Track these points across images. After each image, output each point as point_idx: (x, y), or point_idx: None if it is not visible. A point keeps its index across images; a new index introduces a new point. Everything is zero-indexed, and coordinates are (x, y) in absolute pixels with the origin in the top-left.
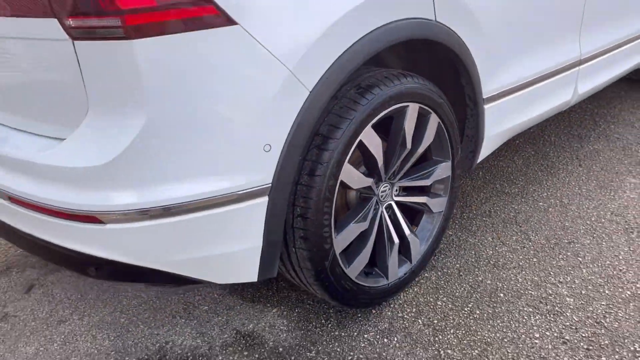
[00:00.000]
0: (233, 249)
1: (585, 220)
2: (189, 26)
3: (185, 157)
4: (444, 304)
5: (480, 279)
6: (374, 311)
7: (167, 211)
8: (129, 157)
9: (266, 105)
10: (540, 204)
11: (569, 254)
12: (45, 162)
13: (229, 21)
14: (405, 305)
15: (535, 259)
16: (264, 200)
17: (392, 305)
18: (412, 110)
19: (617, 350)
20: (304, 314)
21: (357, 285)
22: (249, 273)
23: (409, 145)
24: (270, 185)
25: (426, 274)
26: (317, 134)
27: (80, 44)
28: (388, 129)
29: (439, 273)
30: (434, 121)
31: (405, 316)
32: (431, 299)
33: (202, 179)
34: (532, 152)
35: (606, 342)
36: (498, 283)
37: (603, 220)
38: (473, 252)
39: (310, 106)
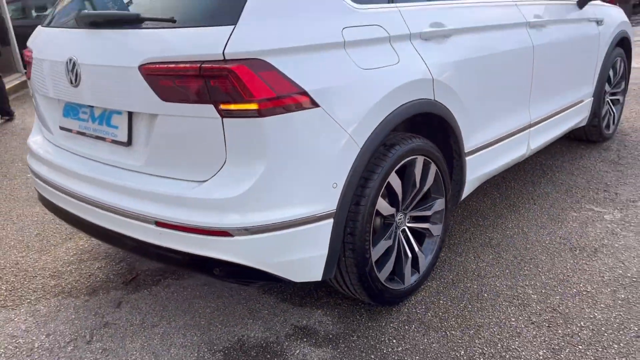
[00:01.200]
0: (309, 255)
1: (541, 243)
2: (293, 108)
3: (286, 192)
4: (444, 302)
5: (468, 285)
6: (394, 309)
7: (273, 227)
8: (252, 192)
9: (335, 157)
10: (507, 232)
11: (531, 266)
12: (194, 196)
13: (315, 105)
14: (416, 304)
15: (507, 271)
16: (330, 221)
17: (407, 304)
18: (420, 161)
19: (568, 326)
20: (343, 312)
21: (385, 287)
22: (316, 274)
23: (417, 185)
24: (335, 210)
25: (429, 283)
26: (362, 177)
27: (227, 120)
28: (404, 173)
29: (438, 282)
30: (433, 169)
31: (418, 311)
32: (435, 299)
33: (295, 206)
34: (498, 194)
35: (560, 321)
36: (482, 287)
37: (554, 242)
38: (461, 267)
39: (360, 158)
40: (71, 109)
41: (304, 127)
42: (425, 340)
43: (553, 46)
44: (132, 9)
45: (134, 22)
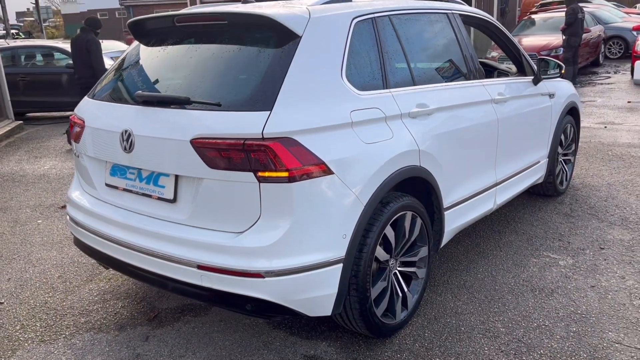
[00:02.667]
0: (322, 294)
1: (507, 285)
2: (314, 175)
3: (307, 241)
4: (429, 334)
5: (448, 320)
6: (387, 340)
7: (295, 270)
8: (280, 242)
9: (344, 213)
10: (479, 275)
11: (499, 304)
12: (233, 245)
13: (330, 172)
14: (406, 336)
15: (480, 308)
16: (340, 265)
17: (398, 336)
18: (408, 215)
19: (531, 354)
20: (344, 343)
21: (381, 321)
22: (327, 309)
23: (407, 235)
24: (344, 257)
25: (415, 318)
26: (364, 229)
27: (263, 185)
28: (396, 226)
29: (422, 318)
30: (419, 222)
31: (407, 342)
32: (421, 332)
33: (313, 253)
34: (469, 242)
35: (524, 350)
36: (459, 322)
37: (518, 284)
38: (441, 305)
39: (364, 214)
40: (119, 170)
41: (322, 190)
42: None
43: (513, 118)
44: (181, 92)
45: (184, 103)
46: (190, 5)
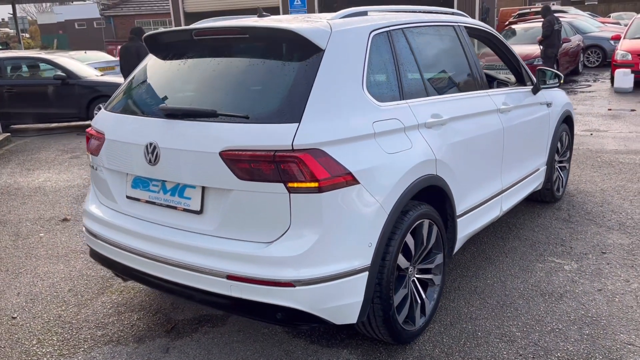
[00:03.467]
0: (349, 302)
1: (517, 290)
2: (341, 185)
3: (335, 251)
4: (447, 340)
5: (464, 326)
6: (407, 347)
7: (324, 279)
8: (311, 251)
9: (370, 222)
10: (488, 281)
11: (512, 309)
12: (264, 255)
13: (357, 182)
14: (425, 342)
15: (493, 313)
16: (366, 274)
17: (417, 343)
18: (426, 223)
19: (548, 357)
20: (365, 351)
21: (402, 328)
22: (353, 317)
23: (424, 243)
24: (369, 265)
25: (431, 325)
26: (388, 237)
27: (293, 195)
28: (415, 234)
29: (439, 324)
30: (435, 229)
31: (427, 348)
32: (439, 338)
33: (340, 262)
34: (475, 249)
35: (542, 353)
36: (475, 328)
37: (527, 289)
38: (455, 311)
39: (387, 222)
40: (141, 182)
41: (349, 200)
42: None
43: (517, 127)
44: (204, 105)
45: (211, 116)
46: (174, 15)
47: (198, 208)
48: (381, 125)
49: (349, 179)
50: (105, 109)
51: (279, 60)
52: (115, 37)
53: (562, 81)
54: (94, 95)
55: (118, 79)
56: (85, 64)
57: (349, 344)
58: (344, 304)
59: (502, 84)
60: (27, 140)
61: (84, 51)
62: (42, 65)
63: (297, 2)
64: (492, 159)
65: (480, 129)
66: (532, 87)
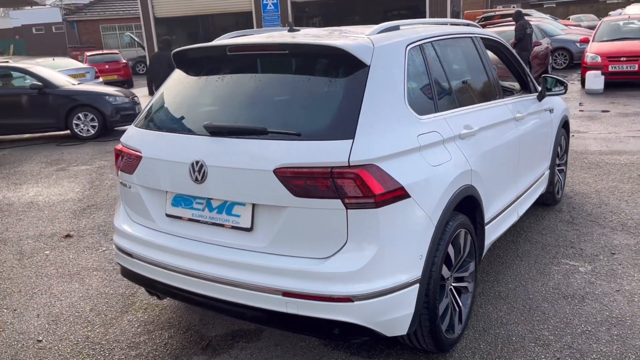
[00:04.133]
0: (402, 314)
1: (540, 293)
2: (395, 199)
3: (390, 264)
4: (484, 346)
5: (497, 331)
6: (447, 354)
7: (381, 293)
8: (369, 266)
9: (421, 235)
10: (509, 285)
11: (539, 313)
12: (321, 270)
13: (408, 195)
14: (464, 349)
15: (522, 317)
16: (417, 286)
17: (456, 350)
18: (462, 233)
19: (585, 359)
20: None
21: (444, 336)
22: (404, 328)
23: (462, 252)
24: (420, 277)
25: (465, 331)
26: (435, 248)
27: (350, 211)
28: (454, 243)
29: (473, 330)
30: (469, 238)
31: (467, 355)
32: (476, 345)
33: (395, 275)
34: (489, 253)
35: (578, 356)
36: (509, 332)
37: (549, 292)
38: (485, 317)
39: (435, 233)
40: (183, 200)
41: (402, 213)
42: None
43: (528, 134)
44: (248, 122)
45: (261, 133)
46: (144, 21)
47: (248, 225)
48: (425, 139)
49: (402, 193)
50: (137, 125)
51: (324, 76)
52: (79, 43)
53: (567, 89)
54: (72, 105)
55: (96, 87)
56: (57, 72)
57: (390, 354)
58: (397, 316)
59: (508, 91)
60: (4, 153)
61: (52, 58)
62: (15, 74)
63: (270, 7)
64: (511, 166)
65: (502, 137)
66: (537, 94)
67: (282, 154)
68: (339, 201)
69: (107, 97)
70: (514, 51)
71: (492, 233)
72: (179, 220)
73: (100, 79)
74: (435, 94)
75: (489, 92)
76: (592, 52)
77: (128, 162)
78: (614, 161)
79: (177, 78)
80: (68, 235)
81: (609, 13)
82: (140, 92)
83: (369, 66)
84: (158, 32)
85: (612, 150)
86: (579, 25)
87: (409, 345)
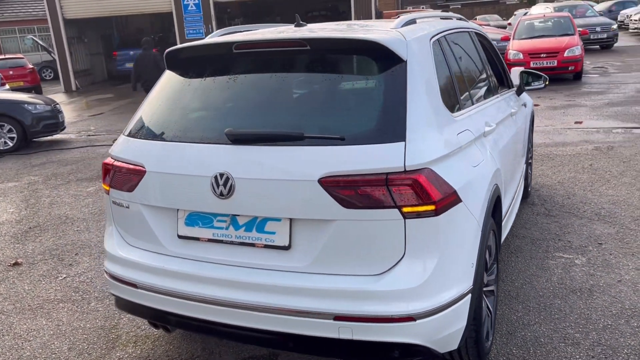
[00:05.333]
0: (456, 328)
1: (548, 290)
2: (451, 205)
3: (449, 276)
4: (516, 351)
5: (522, 333)
6: None
7: (441, 308)
8: (430, 280)
9: (472, 241)
10: (516, 284)
11: (555, 310)
12: (378, 289)
13: (460, 200)
14: (498, 356)
15: (541, 317)
16: (469, 296)
17: (490, 358)
18: (492, 235)
19: (617, 354)
20: None
21: (484, 344)
22: (456, 343)
23: (491, 255)
24: (472, 286)
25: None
26: (480, 254)
27: (408, 221)
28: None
29: (498, 334)
30: (494, 240)
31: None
32: (507, 349)
33: (453, 287)
34: None
35: (610, 352)
36: (534, 334)
37: (556, 288)
38: (505, 319)
39: (482, 239)
40: (199, 219)
41: (456, 220)
42: None
43: (519, 128)
44: (273, 126)
45: (297, 139)
46: (52, 23)
47: (286, 243)
48: (462, 138)
49: (455, 198)
50: (131, 136)
51: (357, 73)
52: None
53: (547, 82)
54: None
55: (12, 95)
56: None
57: None
58: (453, 331)
59: None
60: None
61: None
62: None
63: (192, 7)
64: (514, 162)
65: (509, 133)
66: (515, 89)
67: (326, 161)
68: (395, 211)
69: (25, 105)
70: (495, 46)
71: (504, 231)
72: (196, 241)
73: (7, 86)
74: (457, 90)
75: (493, 87)
76: (514, 49)
77: (125, 178)
78: (561, 153)
79: (172, 80)
80: (16, 264)
81: (515, 13)
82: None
83: (406, 61)
84: (68, 34)
85: (556, 143)
86: (488, 24)
87: (447, 358)
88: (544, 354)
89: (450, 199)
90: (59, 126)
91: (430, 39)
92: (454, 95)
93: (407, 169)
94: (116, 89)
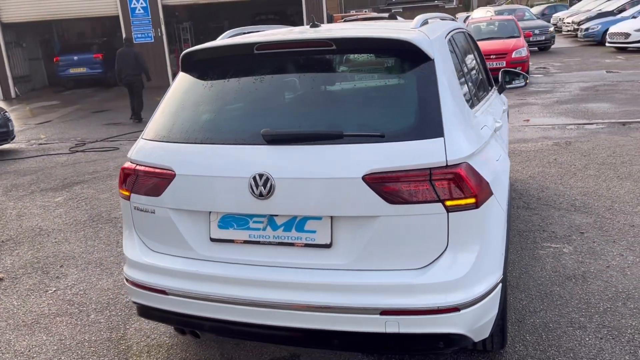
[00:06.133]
0: (490, 317)
1: (545, 278)
2: (486, 197)
3: (487, 266)
4: (530, 338)
5: (530, 321)
6: (503, 352)
7: (481, 298)
8: (472, 270)
9: (501, 230)
10: (514, 274)
11: (556, 297)
12: (424, 282)
13: (491, 192)
14: (514, 343)
15: (545, 304)
16: (500, 284)
17: (508, 346)
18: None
19: (622, 334)
20: None
21: (507, 332)
22: (487, 331)
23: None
24: (502, 275)
25: None
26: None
27: (452, 214)
28: None
29: (509, 322)
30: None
31: (519, 347)
32: (521, 336)
33: (489, 277)
34: None
35: (616, 333)
36: (542, 320)
37: (552, 276)
38: (510, 308)
39: (507, 229)
40: (234, 220)
41: (491, 211)
42: None
43: (505, 124)
44: (310, 125)
45: (337, 137)
46: None
47: (327, 241)
48: (484, 133)
49: (489, 191)
50: (154, 139)
51: (388, 72)
52: None
53: (527, 81)
54: None
55: None
56: None
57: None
58: (488, 319)
59: None
60: None
61: None
62: None
63: (139, 10)
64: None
65: (505, 128)
66: (497, 87)
67: (369, 158)
68: (439, 205)
69: None
70: (478, 45)
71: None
72: (230, 244)
73: None
74: (469, 87)
75: (487, 85)
76: None
77: (151, 182)
78: (525, 149)
79: (190, 82)
80: None
81: (456, 16)
82: None
83: (433, 60)
84: (6, 39)
85: (517, 139)
86: None
87: (471, 347)
88: (556, 339)
89: (486, 192)
90: (9, 135)
91: (445, 37)
92: (468, 92)
93: (448, 164)
94: (61, 95)
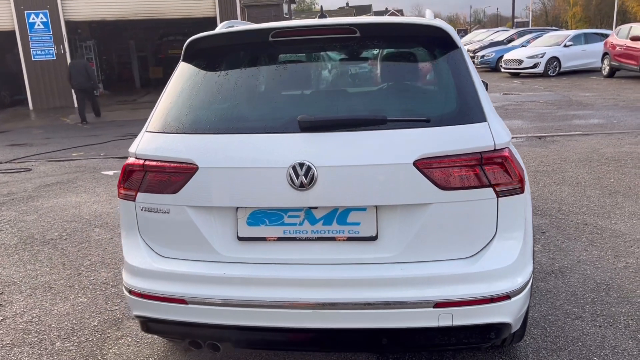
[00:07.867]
0: (528, 304)
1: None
2: (524, 182)
3: (528, 252)
4: (535, 330)
5: (530, 314)
6: (516, 346)
7: (525, 285)
8: (520, 257)
9: (531, 219)
10: None
11: (544, 291)
12: (476, 271)
13: (524, 191)
14: (526, 337)
15: (537, 298)
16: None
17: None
18: None
19: (616, 320)
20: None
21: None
22: (521, 320)
23: None
24: (533, 263)
25: None
26: None
27: (501, 199)
28: None
29: None
30: None
31: (529, 341)
32: (531, 330)
33: (529, 264)
34: None
35: (611, 321)
36: (540, 314)
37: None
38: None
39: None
40: (267, 216)
41: (528, 197)
42: (557, 356)
43: None
44: (348, 110)
45: (381, 123)
46: None
47: (373, 233)
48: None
49: (521, 186)
50: (167, 132)
51: (416, 58)
52: None
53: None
54: None
55: None
56: None
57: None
58: (526, 307)
59: None
60: None
61: None
62: None
63: (39, 25)
64: None
65: None
66: None
67: (419, 143)
68: (490, 190)
69: None
70: None
71: None
72: (262, 242)
73: None
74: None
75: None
76: None
77: (166, 178)
78: None
79: (198, 71)
80: None
81: None
82: None
83: (459, 47)
84: None
85: None
86: None
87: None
88: (559, 330)
89: (524, 177)
90: None
91: None
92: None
93: (496, 148)
94: None
